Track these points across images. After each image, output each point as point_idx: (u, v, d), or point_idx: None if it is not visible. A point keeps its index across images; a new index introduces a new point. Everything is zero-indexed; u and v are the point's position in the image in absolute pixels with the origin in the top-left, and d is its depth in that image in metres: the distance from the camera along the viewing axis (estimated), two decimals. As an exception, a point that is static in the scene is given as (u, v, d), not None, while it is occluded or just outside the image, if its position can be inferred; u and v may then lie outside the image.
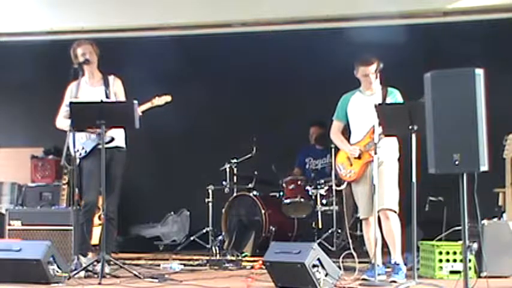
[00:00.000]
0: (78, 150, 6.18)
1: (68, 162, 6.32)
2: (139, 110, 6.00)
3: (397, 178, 5.87)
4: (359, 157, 5.90)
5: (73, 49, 6.33)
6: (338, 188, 6.22)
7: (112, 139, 6.13)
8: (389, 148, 5.85)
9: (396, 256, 5.81)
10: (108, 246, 5.96)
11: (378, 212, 5.71)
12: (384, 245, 5.85)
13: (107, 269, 5.90)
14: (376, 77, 5.90)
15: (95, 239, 6.60)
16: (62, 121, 6.34)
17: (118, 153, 6.22)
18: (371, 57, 5.94)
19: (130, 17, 8.12)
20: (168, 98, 6.44)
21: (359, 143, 5.94)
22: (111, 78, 6.39)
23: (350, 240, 6.30)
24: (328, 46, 8.00)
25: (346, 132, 6.14)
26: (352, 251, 5.94)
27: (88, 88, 6.33)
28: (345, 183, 6.08)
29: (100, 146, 6.07)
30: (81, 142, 6.24)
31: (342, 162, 6.06)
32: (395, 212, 5.81)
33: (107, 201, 6.07)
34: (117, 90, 6.37)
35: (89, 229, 6.31)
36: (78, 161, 6.22)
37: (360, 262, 5.80)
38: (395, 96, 5.93)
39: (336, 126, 6.16)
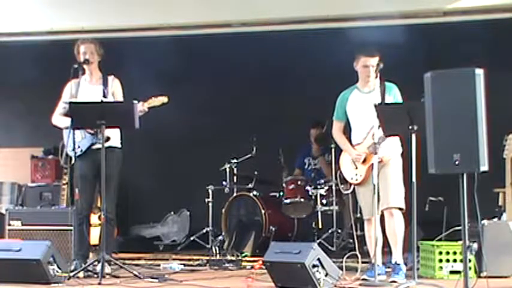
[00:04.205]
0: (74, 149, 6.17)
1: (65, 162, 6.34)
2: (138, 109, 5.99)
3: (402, 174, 5.84)
4: (364, 160, 5.89)
5: (77, 46, 6.36)
6: (346, 192, 6.19)
7: (108, 138, 6.10)
8: (391, 145, 5.82)
9: (397, 255, 5.79)
10: (107, 246, 5.95)
11: (383, 210, 5.71)
12: (385, 244, 5.84)
13: (107, 269, 5.90)
14: (376, 76, 5.88)
15: (94, 240, 6.59)
16: (58, 118, 6.35)
17: (113, 153, 6.17)
18: (374, 50, 5.92)
19: (130, 17, 8.12)
20: (164, 99, 6.31)
21: (361, 144, 5.92)
22: (110, 78, 6.40)
23: (355, 241, 6.27)
24: (328, 46, 8.00)
25: (347, 130, 6.13)
26: (357, 251, 5.91)
27: (87, 86, 6.33)
28: (352, 187, 6.05)
29: (94, 147, 6.14)
30: (77, 141, 6.21)
31: (347, 165, 6.03)
32: (401, 209, 5.80)
33: (104, 201, 6.09)
34: (115, 90, 6.38)
35: (86, 233, 6.30)
36: (74, 159, 6.22)
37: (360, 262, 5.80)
38: (393, 92, 5.89)
39: (337, 126, 6.13)
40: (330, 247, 7.49)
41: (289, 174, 8.25)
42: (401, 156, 5.89)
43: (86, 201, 6.27)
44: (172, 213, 9.03)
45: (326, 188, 7.84)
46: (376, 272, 5.47)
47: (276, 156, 8.28)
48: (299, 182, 8.00)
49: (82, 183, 6.25)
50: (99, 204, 6.59)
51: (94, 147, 6.17)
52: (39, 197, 8.58)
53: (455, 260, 5.88)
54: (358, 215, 6.45)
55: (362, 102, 5.91)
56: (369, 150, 5.81)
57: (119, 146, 6.35)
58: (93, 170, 6.18)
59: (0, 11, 8.37)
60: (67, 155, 6.37)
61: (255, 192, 8.07)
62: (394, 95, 5.89)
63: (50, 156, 8.94)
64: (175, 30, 8.30)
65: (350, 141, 6.04)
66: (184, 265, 6.85)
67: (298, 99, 8.72)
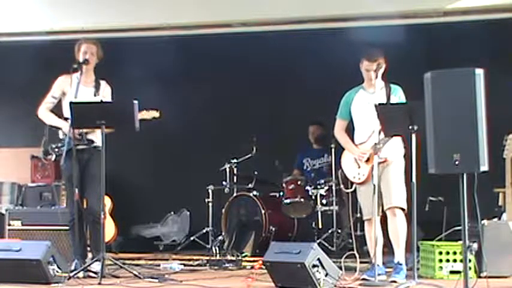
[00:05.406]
0: (57, 147, 6.15)
1: (45, 154, 6.30)
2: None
3: (404, 175, 5.84)
4: (367, 159, 5.89)
5: (78, 44, 6.33)
6: (347, 191, 6.19)
7: (92, 141, 6.14)
8: (394, 146, 5.82)
9: (399, 255, 5.78)
10: (97, 246, 5.93)
11: (386, 210, 5.70)
12: (385, 244, 5.84)
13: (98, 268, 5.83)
14: (377, 76, 5.88)
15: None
16: (45, 113, 6.28)
17: (97, 153, 6.10)
18: (377, 54, 5.91)
19: (130, 17, 8.13)
20: (155, 114, 6.35)
21: (365, 143, 5.92)
22: (103, 83, 6.37)
23: (354, 241, 6.28)
24: (328, 46, 8.00)
25: (349, 130, 6.13)
26: (355, 251, 5.91)
27: (79, 86, 6.27)
28: (354, 186, 6.05)
29: (79, 147, 6.11)
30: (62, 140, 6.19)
31: (349, 164, 6.02)
32: (403, 209, 5.80)
33: (91, 202, 6.08)
34: (106, 96, 6.34)
35: (83, 232, 6.28)
36: (54, 156, 6.19)
37: (360, 262, 5.80)
38: (399, 94, 5.92)
39: (340, 125, 6.14)
40: (330, 247, 7.49)
41: (289, 174, 8.25)
42: (403, 158, 5.90)
43: (76, 206, 6.23)
44: (172, 213, 9.02)
45: (326, 188, 7.84)
46: (376, 272, 5.48)
47: (276, 157, 8.27)
48: (299, 182, 7.99)
49: (69, 187, 6.23)
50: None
51: (79, 147, 6.14)
52: (39, 197, 8.57)
53: (455, 260, 5.88)
54: (358, 215, 6.45)
55: (367, 103, 5.91)
56: (373, 150, 5.81)
57: (100, 145, 6.31)
58: (80, 170, 6.16)
59: (0, 11, 8.38)
60: (48, 152, 6.32)
61: (255, 192, 8.07)
62: (399, 96, 5.92)
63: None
64: (175, 30, 8.32)
65: (353, 140, 6.04)
66: (184, 265, 6.85)
67: (298, 99, 8.72)
